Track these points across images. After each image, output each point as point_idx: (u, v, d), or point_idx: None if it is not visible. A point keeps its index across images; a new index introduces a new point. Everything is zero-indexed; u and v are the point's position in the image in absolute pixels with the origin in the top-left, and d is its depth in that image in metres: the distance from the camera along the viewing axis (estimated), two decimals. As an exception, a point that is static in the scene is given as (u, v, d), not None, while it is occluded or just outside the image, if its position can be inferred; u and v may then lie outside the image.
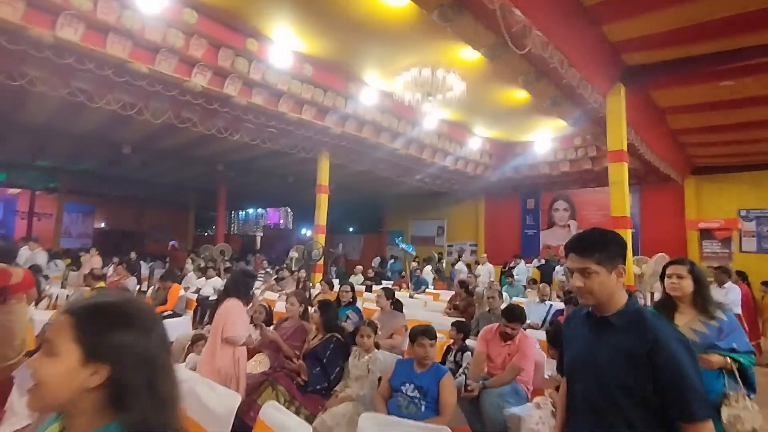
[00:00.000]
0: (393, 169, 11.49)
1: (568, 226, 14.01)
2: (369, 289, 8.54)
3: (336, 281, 7.86)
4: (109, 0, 5.25)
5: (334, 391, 3.31)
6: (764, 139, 8.93)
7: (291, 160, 11.15)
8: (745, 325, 5.36)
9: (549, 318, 5.68)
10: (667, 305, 2.32)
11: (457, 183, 13.40)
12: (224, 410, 2.16)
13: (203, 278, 8.17)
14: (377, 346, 3.52)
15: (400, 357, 3.46)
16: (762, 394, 2.46)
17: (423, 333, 2.92)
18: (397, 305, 4.79)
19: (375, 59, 7.27)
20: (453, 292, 7.13)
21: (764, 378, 4.60)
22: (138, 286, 7.56)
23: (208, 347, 3.32)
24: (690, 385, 1.30)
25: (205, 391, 2.30)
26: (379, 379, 3.09)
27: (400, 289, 9.33)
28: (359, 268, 11.37)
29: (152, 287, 7.24)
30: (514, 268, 11.17)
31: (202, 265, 10.15)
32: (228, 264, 10.96)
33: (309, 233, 17.38)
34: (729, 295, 5.43)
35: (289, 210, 25.29)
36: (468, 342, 3.97)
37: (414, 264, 12.30)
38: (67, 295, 6.75)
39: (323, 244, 10.13)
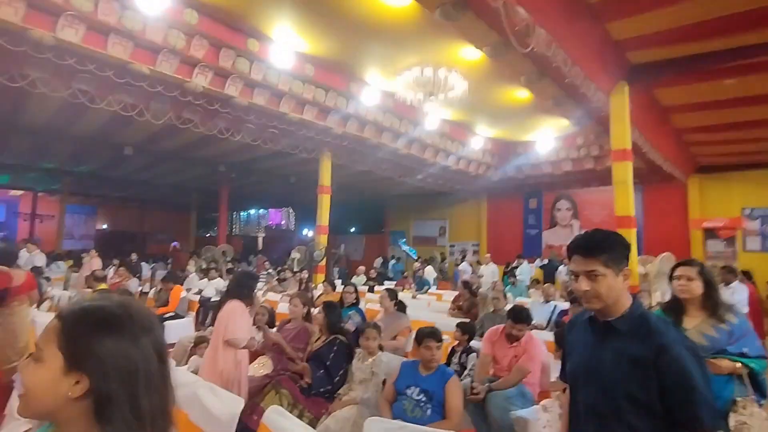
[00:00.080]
0: (395, 169, 11.45)
1: (571, 225, 13.95)
2: (371, 290, 8.47)
3: (339, 282, 7.82)
4: (110, 1, 5.23)
5: (337, 394, 3.27)
6: (768, 137, 8.91)
7: (292, 161, 11.14)
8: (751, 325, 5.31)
9: (554, 318, 5.63)
10: (676, 308, 2.26)
11: (459, 183, 13.36)
12: (227, 415, 2.14)
13: (205, 279, 8.14)
14: (380, 347, 3.48)
15: (405, 359, 3.43)
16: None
17: (429, 335, 2.89)
18: (401, 306, 4.77)
19: (376, 59, 7.24)
20: (456, 293, 7.09)
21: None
22: (140, 288, 7.55)
23: (210, 350, 3.31)
24: (697, 392, 1.26)
25: (208, 396, 2.27)
26: (384, 382, 3.06)
27: (403, 289, 9.28)
28: (362, 268, 11.35)
29: (154, 288, 7.22)
30: (516, 268, 11.14)
31: (204, 266, 10.14)
32: (230, 265, 10.96)
33: (311, 234, 17.36)
34: (736, 295, 5.37)
35: (290, 210, 25.25)
36: (473, 343, 3.93)
37: (416, 264, 12.29)
38: (69, 297, 6.74)
39: (325, 245, 10.11)
